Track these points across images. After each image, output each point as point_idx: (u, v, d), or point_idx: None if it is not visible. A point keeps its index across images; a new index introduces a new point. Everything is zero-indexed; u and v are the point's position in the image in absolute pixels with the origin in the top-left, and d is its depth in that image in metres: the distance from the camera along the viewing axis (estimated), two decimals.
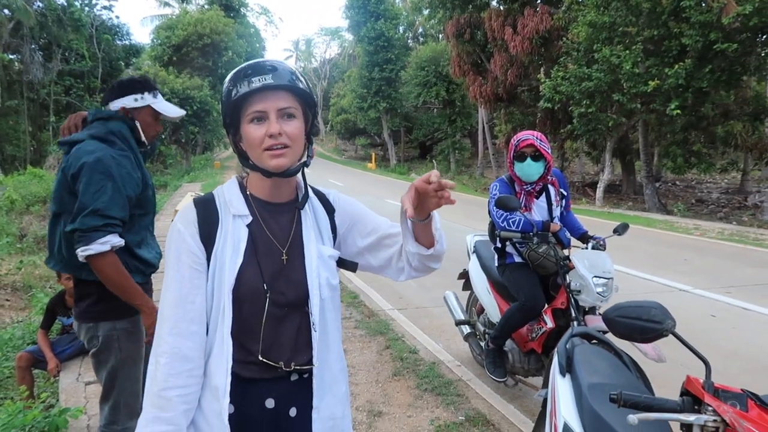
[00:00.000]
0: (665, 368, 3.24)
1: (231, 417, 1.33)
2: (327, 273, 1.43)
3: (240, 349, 1.35)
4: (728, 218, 14.46)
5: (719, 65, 13.28)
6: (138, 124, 2.40)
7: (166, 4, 41.20)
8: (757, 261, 8.57)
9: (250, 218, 1.39)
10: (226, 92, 1.35)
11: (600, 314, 3.32)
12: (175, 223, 1.38)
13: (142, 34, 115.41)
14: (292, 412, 1.40)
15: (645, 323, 1.42)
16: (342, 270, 1.56)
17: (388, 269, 1.51)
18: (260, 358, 1.35)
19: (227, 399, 1.32)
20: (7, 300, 7.00)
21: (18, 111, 26.68)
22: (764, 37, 13.57)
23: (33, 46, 26.65)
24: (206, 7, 36.33)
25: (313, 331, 1.39)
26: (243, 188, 1.44)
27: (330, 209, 1.52)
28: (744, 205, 16.55)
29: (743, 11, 11.66)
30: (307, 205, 1.48)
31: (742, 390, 1.28)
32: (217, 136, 34.16)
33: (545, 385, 3.21)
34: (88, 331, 2.34)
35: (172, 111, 2.48)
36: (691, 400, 1.33)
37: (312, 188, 1.52)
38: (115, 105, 2.36)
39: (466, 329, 4.38)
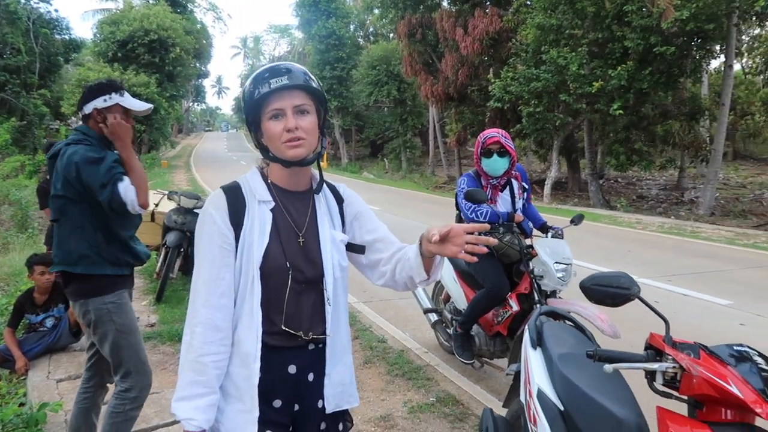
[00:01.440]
0: (617, 344, 3.54)
1: (258, 382, 1.48)
2: (338, 255, 1.59)
3: (265, 319, 1.50)
4: (667, 213, 15.30)
5: (658, 67, 14.03)
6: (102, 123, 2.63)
7: None
8: (694, 252, 9.19)
9: (273, 203, 1.55)
10: (248, 94, 1.50)
11: (560, 297, 3.60)
12: (206, 208, 1.52)
13: (83, 29, 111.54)
14: (310, 377, 1.57)
15: (616, 290, 1.65)
16: None
17: (372, 271, 1.66)
18: (283, 328, 1.50)
19: (258, 363, 1.47)
20: None
21: None
22: (699, 41, 14.42)
23: None
24: (152, 1, 35.41)
25: (327, 306, 1.56)
26: (265, 177, 1.60)
27: (339, 199, 1.69)
28: (681, 201, 17.51)
29: (680, 16, 12.39)
30: (321, 194, 1.64)
31: (694, 342, 1.53)
32: (163, 135, 33.35)
33: (511, 362, 3.46)
34: (81, 307, 2.59)
35: (138, 105, 2.69)
36: (654, 353, 1.57)
37: (324, 180, 1.67)
38: (88, 107, 2.61)
39: (434, 317, 4.60)
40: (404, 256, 1.56)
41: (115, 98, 2.60)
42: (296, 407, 1.57)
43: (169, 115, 30.30)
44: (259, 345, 1.48)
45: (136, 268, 2.85)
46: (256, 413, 1.47)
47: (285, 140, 1.46)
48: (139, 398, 2.66)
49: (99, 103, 2.59)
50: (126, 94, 2.67)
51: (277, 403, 1.53)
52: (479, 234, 1.38)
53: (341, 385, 1.62)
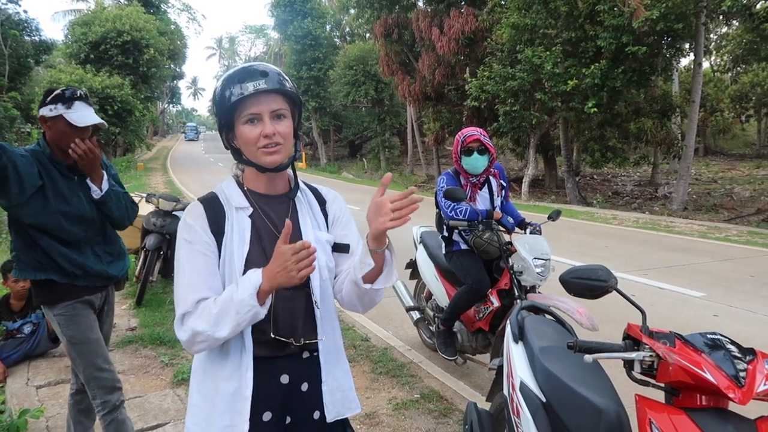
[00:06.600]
0: (595, 337, 3.62)
1: (250, 395, 1.45)
2: (325, 256, 1.54)
3: (254, 329, 1.44)
4: (642, 208, 15.59)
5: (631, 66, 14.29)
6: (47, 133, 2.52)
7: None
8: (668, 246, 9.38)
9: (251, 209, 1.52)
10: (220, 96, 1.45)
11: (540, 292, 3.67)
12: (184, 219, 1.48)
13: (53, 30, 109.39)
14: (304, 386, 1.52)
15: (594, 282, 1.71)
16: None
17: (337, 279, 1.60)
18: (273, 336, 1.46)
19: (250, 374, 1.43)
20: None
21: None
22: (669, 39, 14.73)
23: None
24: (124, 2, 34.90)
25: (316, 309, 1.52)
26: (240, 184, 1.56)
27: (322, 200, 1.66)
28: (655, 196, 17.86)
29: (651, 16, 12.63)
30: (301, 196, 1.60)
31: (670, 331, 1.59)
32: (139, 137, 32.86)
33: (493, 357, 3.51)
34: (45, 312, 2.70)
35: (83, 120, 2.46)
36: (632, 342, 1.63)
37: (304, 183, 1.65)
38: (40, 112, 2.49)
39: (416, 315, 4.64)
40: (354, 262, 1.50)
41: (59, 109, 2.43)
42: (288, 420, 1.51)
43: (144, 117, 29.86)
44: (251, 356, 1.44)
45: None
46: (245, 428, 1.43)
47: (262, 145, 1.44)
48: (107, 403, 2.66)
49: (45, 111, 2.44)
50: (77, 104, 2.46)
51: (267, 416, 1.48)
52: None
53: (340, 391, 1.57)
